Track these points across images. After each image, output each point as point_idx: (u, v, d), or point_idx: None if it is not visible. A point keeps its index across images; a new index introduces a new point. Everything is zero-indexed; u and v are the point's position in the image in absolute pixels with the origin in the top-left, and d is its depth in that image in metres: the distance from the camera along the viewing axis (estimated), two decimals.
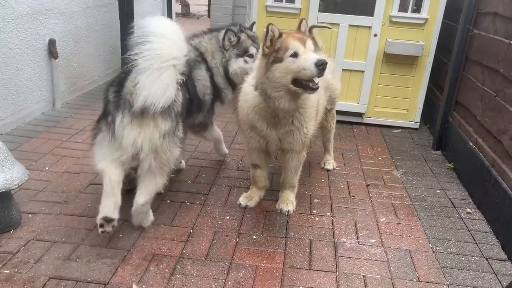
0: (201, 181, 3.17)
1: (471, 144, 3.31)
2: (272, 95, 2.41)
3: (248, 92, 2.60)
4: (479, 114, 3.26)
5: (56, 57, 4.36)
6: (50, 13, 4.29)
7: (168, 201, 2.88)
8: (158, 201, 2.84)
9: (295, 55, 2.31)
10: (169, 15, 7.45)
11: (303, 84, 2.35)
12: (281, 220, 2.75)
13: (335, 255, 2.43)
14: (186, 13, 12.82)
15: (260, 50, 2.49)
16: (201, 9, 14.06)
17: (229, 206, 2.87)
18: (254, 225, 2.68)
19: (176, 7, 11.96)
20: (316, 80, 2.35)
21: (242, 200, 2.89)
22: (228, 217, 2.74)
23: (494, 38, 3.14)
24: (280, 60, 2.33)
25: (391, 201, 3.06)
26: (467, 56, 3.65)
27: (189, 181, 3.16)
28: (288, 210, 2.82)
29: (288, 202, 2.86)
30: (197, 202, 2.89)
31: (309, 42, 2.38)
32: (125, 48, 5.35)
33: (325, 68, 2.29)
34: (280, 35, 2.37)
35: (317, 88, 2.37)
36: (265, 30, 2.40)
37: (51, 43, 4.29)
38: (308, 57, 2.30)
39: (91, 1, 4.98)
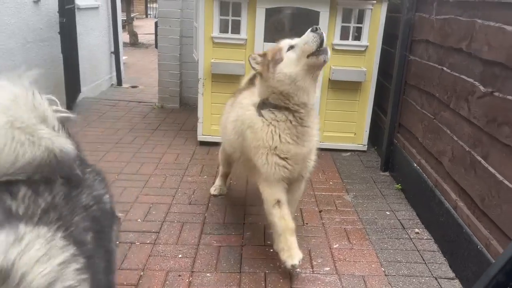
0: (151, 218, 3.07)
1: (415, 165, 3.45)
2: (290, 90, 2.31)
3: (254, 120, 2.45)
4: (421, 136, 3.41)
5: None
6: None
7: (117, 242, 2.76)
8: None
9: (291, 47, 2.31)
10: (116, 45, 7.36)
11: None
12: (236, 255, 2.71)
13: (291, 287, 2.41)
14: (134, 43, 12.71)
15: (256, 74, 2.52)
16: (150, 38, 13.98)
17: (182, 243, 2.79)
18: (208, 262, 2.61)
19: (124, 37, 11.85)
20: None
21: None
22: (180, 256, 2.66)
23: (428, 64, 3.33)
24: (280, 60, 2.31)
25: (344, 226, 3.10)
26: (406, 81, 3.83)
27: (139, 220, 3.06)
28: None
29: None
30: (148, 241, 2.79)
31: (296, 38, 2.37)
32: (69, 82, 5.21)
33: (321, 31, 2.23)
34: (263, 54, 2.43)
35: (326, 50, 2.25)
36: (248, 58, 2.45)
37: None
38: (301, 38, 2.28)
39: (31, 36, 4.82)
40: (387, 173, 4.08)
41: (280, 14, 4.66)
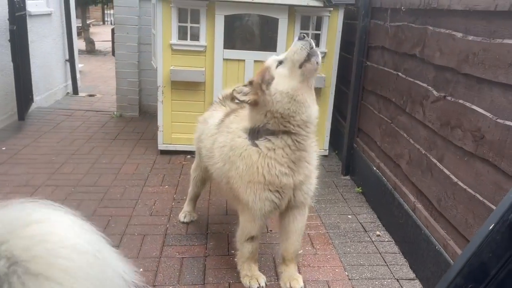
0: (110, 232, 2.96)
1: (374, 168, 3.52)
2: (292, 108, 2.11)
3: (249, 150, 2.22)
4: (379, 140, 3.49)
5: None
6: None
7: None
8: None
9: (280, 63, 2.14)
10: (71, 53, 7.12)
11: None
12: (199, 265, 2.65)
13: None
14: (91, 50, 12.36)
15: (244, 104, 2.25)
16: (107, 45, 13.63)
17: (143, 256, 2.71)
18: (170, 275, 2.54)
19: (80, 44, 11.49)
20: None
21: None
22: (141, 270, 2.57)
23: (384, 69, 3.41)
24: (271, 79, 2.13)
25: (307, 231, 3.11)
26: (363, 86, 3.91)
27: None
28: (302, 287, 2.45)
29: (298, 278, 2.46)
30: None
31: (282, 54, 2.23)
32: (21, 91, 4.98)
33: (309, 38, 2.12)
34: (249, 82, 2.23)
35: (316, 53, 2.11)
36: (232, 94, 2.23)
37: None
38: (290, 49, 2.13)
39: None
40: (348, 177, 4.14)
41: (241, 21, 4.66)
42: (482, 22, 2.15)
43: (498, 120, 1.97)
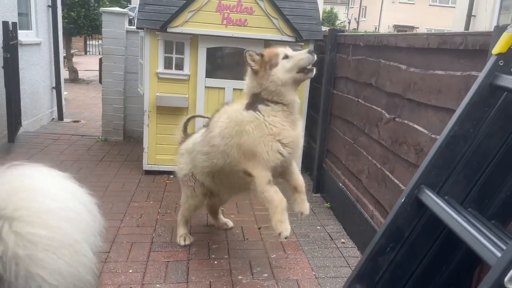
0: None
1: (340, 184, 3.93)
2: (279, 91, 2.65)
3: (255, 116, 2.70)
4: (344, 159, 3.92)
5: None
6: None
7: None
8: None
9: (286, 57, 2.66)
10: (58, 80, 7.44)
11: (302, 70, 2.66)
12: (183, 267, 2.96)
13: None
14: (74, 79, 12.64)
15: (249, 70, 2.76)
16: (90, 74, 13.97)
17: (132, 260, 3.00)
18: (157, 275, 2.84)
19: (64, 73, 11.77)
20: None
21: None
22: (131, 271, 2.86)
23: (348, 97, 3.88)
24: (275, 64, 2.66)
25: (280, 239, 3.46)
26: (331, 112, 4.37)
27: None
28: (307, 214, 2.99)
29: (307, 205, 2.99)
30: (98, 260, 2.96)
31: (290, 50, 2.74)
32: (11, 115, 5.25)
33: (315, 54, 2.66)
34: (261, 54, 2.71)
35: (313, 70, 2.69)
36: (244, 57, 2.70)
37: None
38: (298, 53, 2.70)
39: None
40: (318, 195, 4.53)
41: (221, 52, 5.11)
42: (420, 57, 2.63)
43: (432, 135, 2.41)
